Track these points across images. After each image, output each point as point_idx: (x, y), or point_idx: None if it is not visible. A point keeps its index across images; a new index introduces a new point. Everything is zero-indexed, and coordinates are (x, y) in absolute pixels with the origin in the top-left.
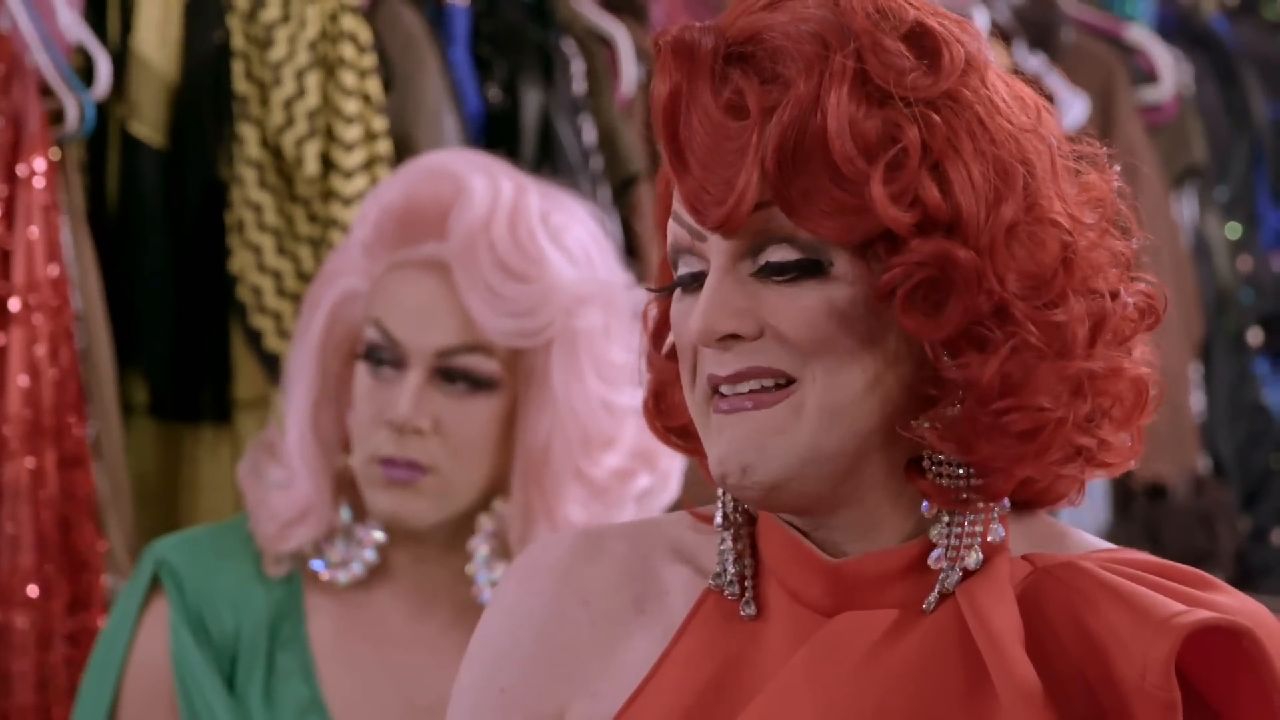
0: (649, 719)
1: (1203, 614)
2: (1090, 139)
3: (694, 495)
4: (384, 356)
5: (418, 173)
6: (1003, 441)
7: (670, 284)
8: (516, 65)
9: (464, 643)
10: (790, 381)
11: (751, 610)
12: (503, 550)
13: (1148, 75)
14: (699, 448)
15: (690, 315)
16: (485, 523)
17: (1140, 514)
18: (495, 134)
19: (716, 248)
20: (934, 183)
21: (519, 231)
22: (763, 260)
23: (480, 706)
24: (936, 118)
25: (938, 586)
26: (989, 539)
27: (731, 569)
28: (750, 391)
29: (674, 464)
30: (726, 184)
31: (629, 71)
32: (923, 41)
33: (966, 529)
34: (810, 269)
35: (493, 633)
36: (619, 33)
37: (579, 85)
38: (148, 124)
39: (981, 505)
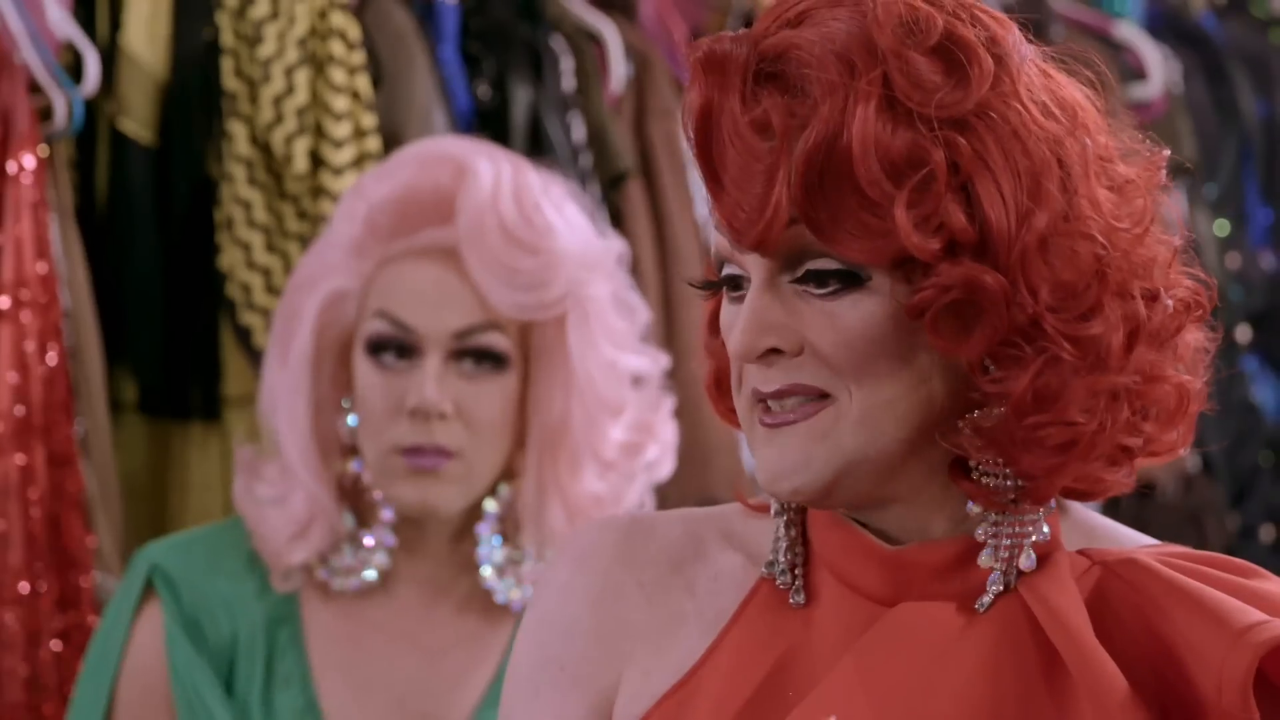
0: (700, 703)
1: (1277, 628)
2: (1136, 133)
3: (688, 471)
4: (394, 346)
5: (409, 163)
6: (1040, 453)
7: (714, 281)
8: (505, 62)
9: (474, 629)
10: (828, 395)
11: (801, 599)
12: (510, 533)
13: (1136, 72)
14: None
15: (734, 327)
16: (490, 506)
17: (1129, 512)
18: (484, 131)
19: (755, 264)
20: (961, 204)
21: (525, 205)
22: (802, 271)
23: (542, 685)
24: (963, 138)
25: (992, 588)
26: (1035, 539)
27: (783, 557)
28: (794, 403)
29: (670, 434)
30: (758, 205)
31: (618, 69)
32: (952, 54)
33: (1016, 530)
34: (849, 280)
35: (549, 611)
36: (608, 30)
37: (568, 82)
38: (137, 121)
39: (1028, 506)
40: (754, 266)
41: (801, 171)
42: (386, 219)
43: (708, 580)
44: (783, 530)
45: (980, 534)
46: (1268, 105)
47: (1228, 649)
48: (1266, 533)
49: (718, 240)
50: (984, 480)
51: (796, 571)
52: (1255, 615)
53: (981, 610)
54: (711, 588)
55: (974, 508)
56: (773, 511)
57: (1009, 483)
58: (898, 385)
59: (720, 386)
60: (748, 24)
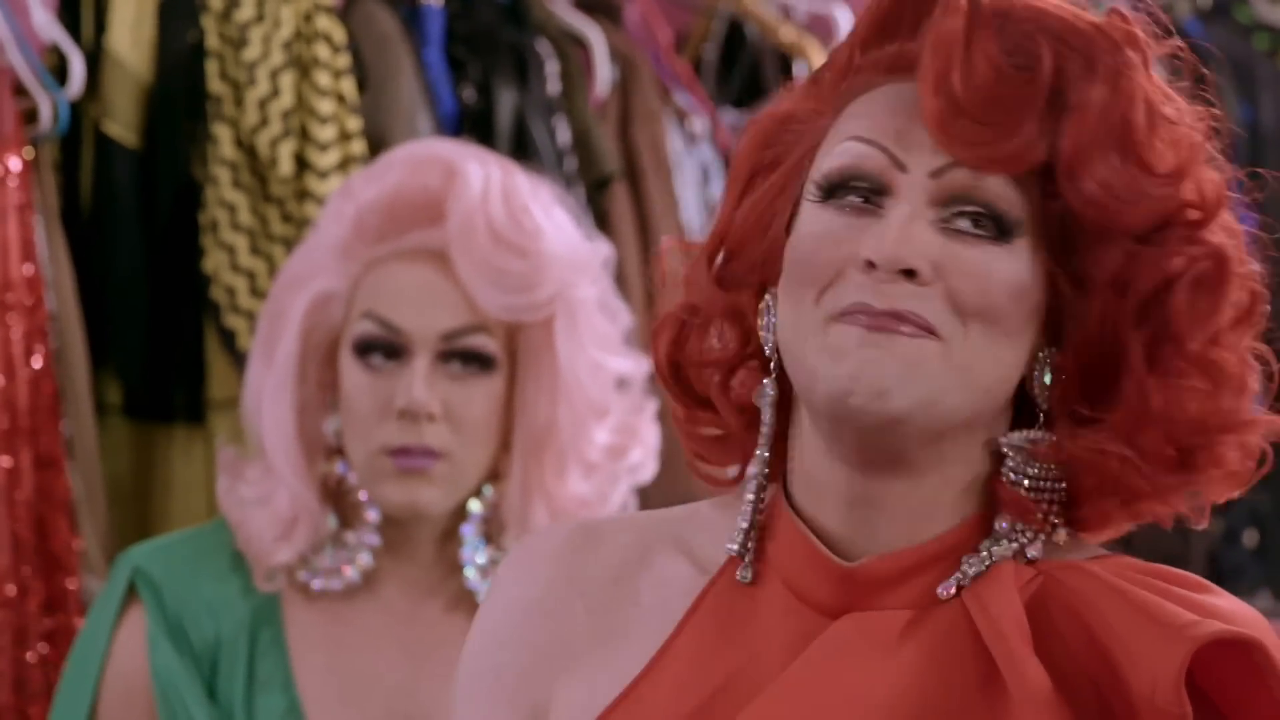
0: (646, 712)
1: (1212, 626)
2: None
3: (671, 475)
4: (382, 348)
5: (399, 165)
6: (1140, 477)
7: (842, 185)
8: (491, 66)
9: (460, 630)
10: (937, 336)
11: (748, 575)
12: (493, 534)
13: None
14: (716, 419)
15: (866, 234)
16: (475, 508)
17: None
18: (469, 134)
19: (917, 185)
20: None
21: (514, 207)
22: (956, 210)
23: (476, 692)
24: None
25: (943, 593)
26: (1029, 553)
27: (741, 538)
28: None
29: (653, 437)
30: (1005, 133)
31: (603, 72)
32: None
33: (1017, 544)
34: (1003, 231)
35: (490, 619)
36: (593, 33)
37: (553, 86)
38: (121, 123)
39: (1050, 525)
40: (913, 187)
41: (1091, 130)
42: (375, 220)
43: (652, 588)
44: (746, 520)
45: (987, 548)
46: (1251, 110)
47: (1162, 648)
48: (1249, 537)
49: (861, 154)
50: (1020, 488)
51: (749, 550)
52: (1191, 616)
53: (945, 598)
54: (658, 595)
55: (1001, 523)
56: (743, 509)
57: (1051, 495)
58: (1010, 347)
59: (681, 345)
60: (733, 28)
